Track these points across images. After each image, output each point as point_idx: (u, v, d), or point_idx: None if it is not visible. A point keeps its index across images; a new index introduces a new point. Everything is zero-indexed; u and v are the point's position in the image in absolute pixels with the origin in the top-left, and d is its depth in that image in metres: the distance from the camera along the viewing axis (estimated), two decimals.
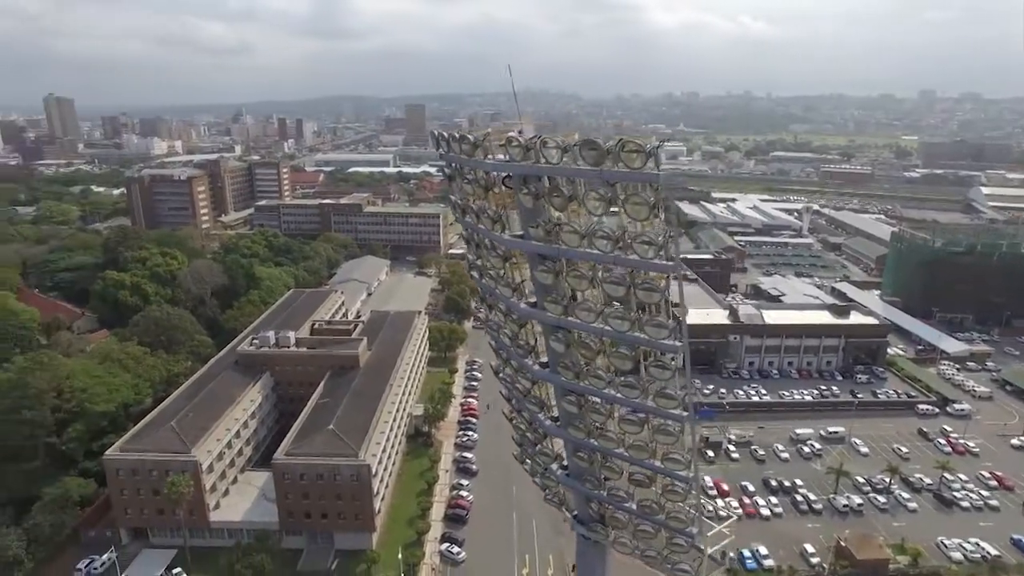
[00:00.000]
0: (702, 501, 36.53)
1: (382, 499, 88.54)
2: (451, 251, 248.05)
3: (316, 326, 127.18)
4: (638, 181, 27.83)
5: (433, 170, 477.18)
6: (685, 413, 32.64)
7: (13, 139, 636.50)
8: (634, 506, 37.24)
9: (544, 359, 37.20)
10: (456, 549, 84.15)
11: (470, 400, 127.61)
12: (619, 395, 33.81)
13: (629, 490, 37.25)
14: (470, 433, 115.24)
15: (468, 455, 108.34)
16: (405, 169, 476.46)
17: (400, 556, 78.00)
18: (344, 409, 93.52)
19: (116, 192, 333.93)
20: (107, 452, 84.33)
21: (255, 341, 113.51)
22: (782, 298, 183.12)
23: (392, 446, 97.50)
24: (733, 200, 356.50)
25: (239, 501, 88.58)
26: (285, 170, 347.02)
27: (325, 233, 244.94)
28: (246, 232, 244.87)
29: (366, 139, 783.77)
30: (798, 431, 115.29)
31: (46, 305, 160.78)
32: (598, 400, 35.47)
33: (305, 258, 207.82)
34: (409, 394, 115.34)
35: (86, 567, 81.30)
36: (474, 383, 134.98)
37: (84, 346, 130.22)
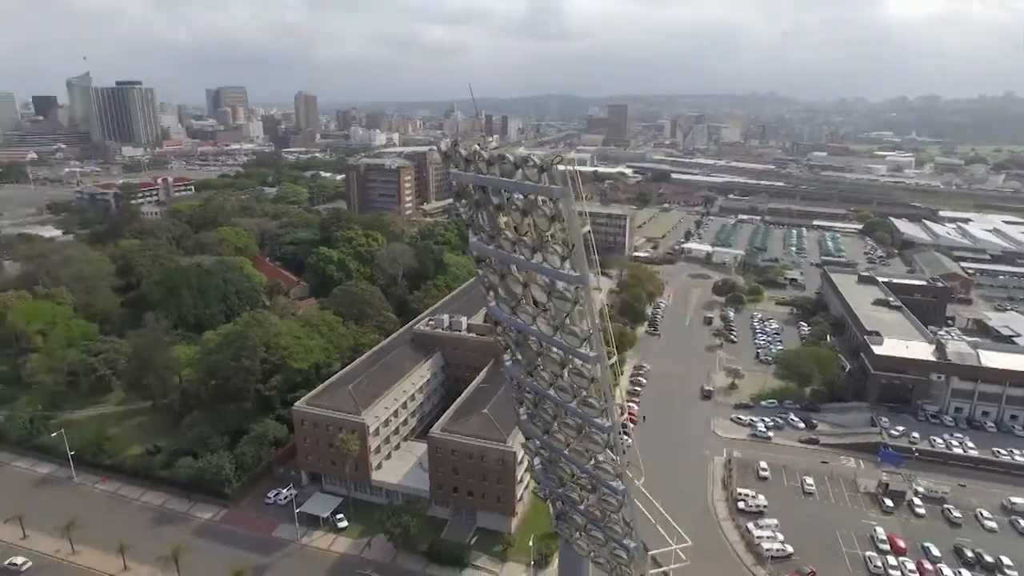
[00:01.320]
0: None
1: (526, 487, 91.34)
2: (635, 253, 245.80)
3: None
4: (537, 193, 28.59)
5: (629, 171, 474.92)
6: (608, 423, 34.62)
7: (270, 130, 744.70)
8: (581, 508, 39.47)
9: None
10: None
11: (630, 405, 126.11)
12: (555, 396, 36.68)
13: (580, 494, 39.73)
14: (626, 439, 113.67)
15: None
16: (601, 169, 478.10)
17: (532, 544, 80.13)
18: (500, 396, 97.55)
19: (339, 178, 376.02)
20: (296, 404, 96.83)
21: (431, 322, 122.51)
22: (1015, 339, 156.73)
23: None
24: (966, 221, 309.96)
25: (398, 466, 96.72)
26: None
27: None
28: (442, 220, 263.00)
29: (567, 138, 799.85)
30: (1016, 499, 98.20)
31: (272, 272, 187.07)
32: (548, 402, 38.16)
33: None
34: None
35: (274, 497, 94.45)
36: (637, 388, 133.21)
37: (295, 310, 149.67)
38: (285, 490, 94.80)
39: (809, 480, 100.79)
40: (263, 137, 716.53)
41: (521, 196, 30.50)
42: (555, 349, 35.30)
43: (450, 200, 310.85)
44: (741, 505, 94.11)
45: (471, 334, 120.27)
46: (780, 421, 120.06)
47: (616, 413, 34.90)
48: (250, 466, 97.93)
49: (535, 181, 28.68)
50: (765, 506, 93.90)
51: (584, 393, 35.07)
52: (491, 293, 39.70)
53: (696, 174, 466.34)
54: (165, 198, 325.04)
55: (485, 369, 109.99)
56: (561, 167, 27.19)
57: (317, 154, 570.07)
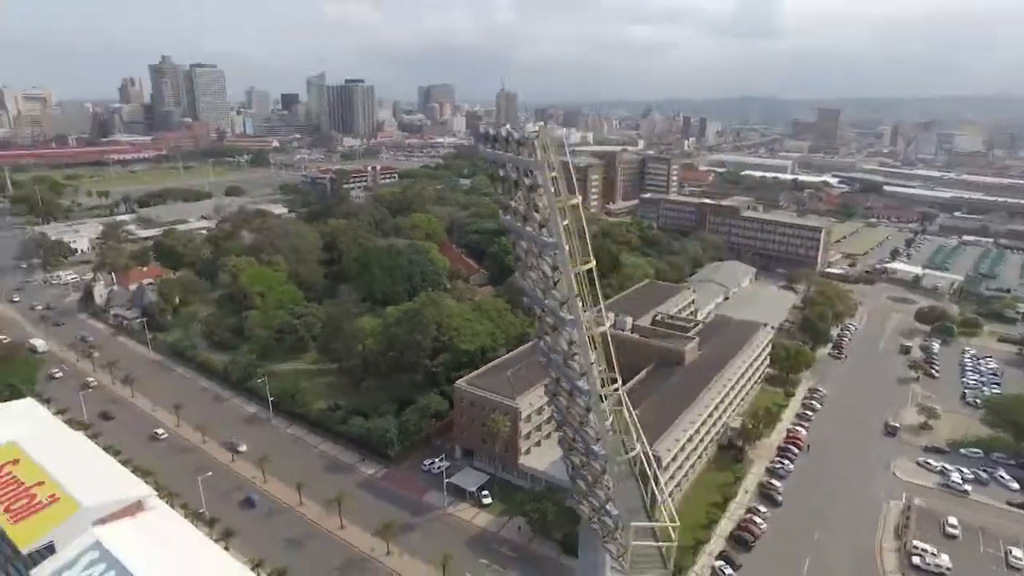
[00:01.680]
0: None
1: (670, 494, 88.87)
2: (828, 269, 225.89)
3: (658, 317, 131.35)
4: (518, 164, 31.40)
5: (834, 181, 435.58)
6: (586, 387, 36.82)
7: (471, 125, 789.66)
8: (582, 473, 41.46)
9: None
10: (730, 571, 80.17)
11: (799, 428, 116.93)
12: (556, 359, 41.24)
13: (580, 458, 41.57)
14: (786, 463, 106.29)
15: (776, 483, 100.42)
16: (802, 177, 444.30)
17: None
18: (653, 399, 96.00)
19: None
20: (458, 382, 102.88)
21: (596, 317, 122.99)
22: None
23: (695, 448, 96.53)
24: None
25: (547, 454, 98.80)
26: (675, 167, 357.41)
27: (698, 232, 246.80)
28: (625, 221, 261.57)
29: (769, 143, 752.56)
30: None
31: (456, 258, 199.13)
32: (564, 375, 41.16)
33: (671, 253, 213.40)
34: (730, 404, 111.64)
35: (429, 465, 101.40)
36: (809, 412, 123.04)
37: (471, 296, 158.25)
38: (439, 460, 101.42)
39: (1017, 552, 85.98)
40: (465, 132, 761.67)
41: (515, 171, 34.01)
42: (549, 314, 38.35)
43: (636, 201, 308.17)
44: (916, 561, 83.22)
45: (634, 335, 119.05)
46: (984, 475, 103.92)
47: (598, 379, 36.78)
48: (412, 433, 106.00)
49: (522, 155, 30.91)
50: (949, 569, 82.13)
51: (572, 357, 38.23)
52: (518, 265, 44.64)
53: (915, 187, 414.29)
54: (372, 184, 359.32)
55: (644, 371, 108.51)
56: (537, 142, 29.53)
57: None
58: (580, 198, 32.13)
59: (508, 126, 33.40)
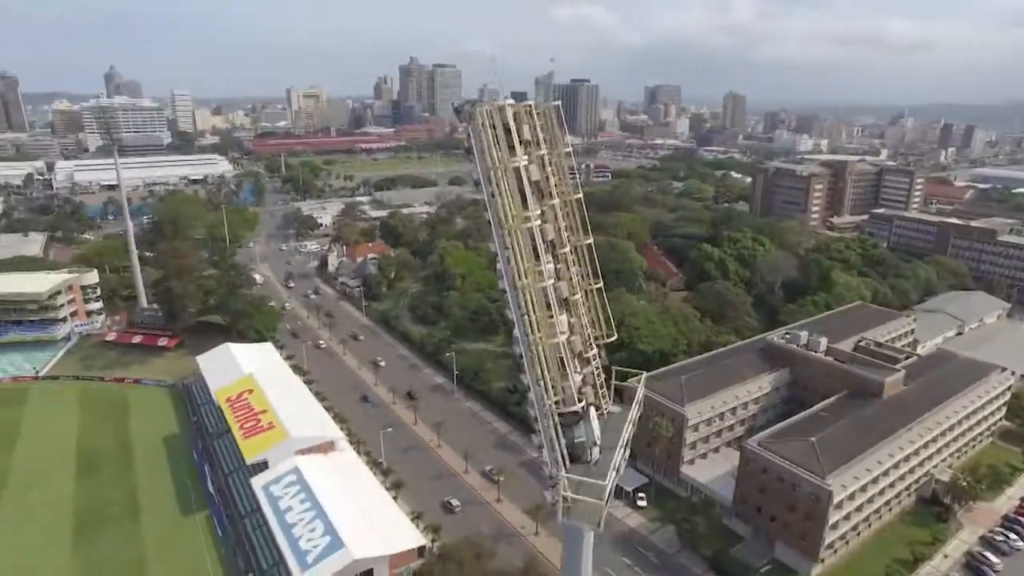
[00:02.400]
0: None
1: (842, 537, 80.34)
2: None
3: (862, 343, 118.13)
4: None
5: None
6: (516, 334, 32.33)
7: (695, 127, 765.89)
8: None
9: None
10: None
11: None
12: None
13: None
14: (1012, 536, 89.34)
15: (993, 559, 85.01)
16: None
17: None
18: (838, 429, 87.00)
19: (748, 180, 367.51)
20: (629, 380, 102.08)
21: (786, 336, 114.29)
22: None
23: (883, 494, 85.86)
24: None
25: (710, 467, 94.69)
26: (920, 180, 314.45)
27: (936, 256, 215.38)
28: (847, 237, 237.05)
29: None
30: None
31: (655, 260, 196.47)
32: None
33: (897, 275, 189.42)
34: (939, 452, 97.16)
35: None
36: None
37: (662, 298, 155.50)
38: None
39: None
40: (687, 134, 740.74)
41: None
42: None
43: (865, 216, 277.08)
44: None
45: (828, 357, 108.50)
46: None
47: (528, 328, 31.75)
48: None
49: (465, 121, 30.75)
50: None
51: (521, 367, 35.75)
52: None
53: None
54: (584, 181, 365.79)
55: (834, 397, 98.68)
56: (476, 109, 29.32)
57: (735, 154, 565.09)
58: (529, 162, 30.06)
59: (457, 101, 33.55)
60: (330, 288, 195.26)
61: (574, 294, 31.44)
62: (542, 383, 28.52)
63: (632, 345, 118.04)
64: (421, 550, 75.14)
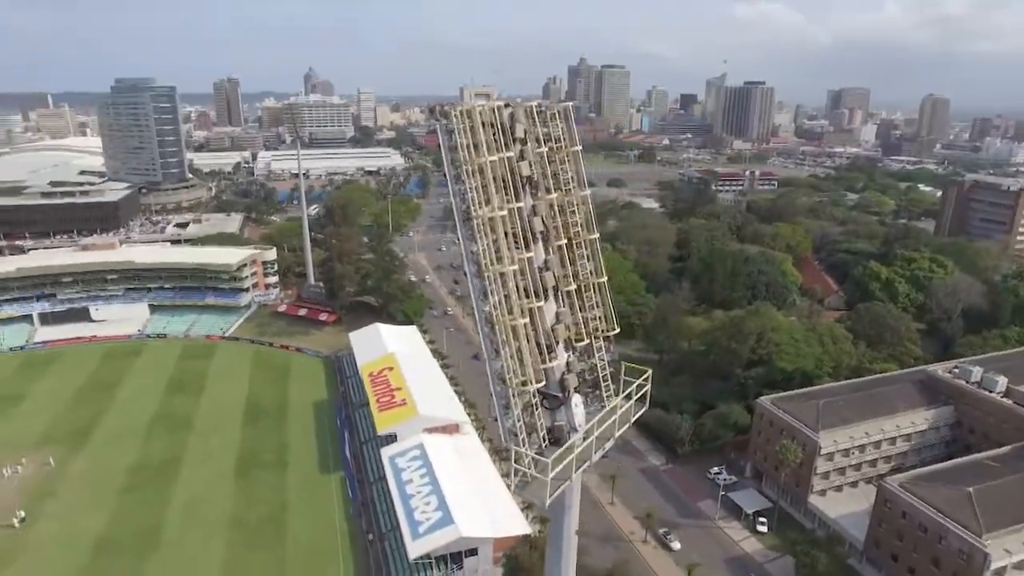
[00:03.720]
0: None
1: None
2: None
3: None
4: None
5: None
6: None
7: (882, 135, 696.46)
8: None
9: None
10: None
11: None
12: None
13: None
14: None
15: None
16: None
17: None
18: (1008, 484, 76.35)
19: (939, 194, 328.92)
20: (761, 398, 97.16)
21: (955, 370, 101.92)
22: None
23: None
24: None
25: (844, 501, 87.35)
26: None
27: None
28: None
29: None
30: None
31: (813, 275, 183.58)
32: None
33: None
34: None
35: (714, 474, 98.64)
36: None
37: (814, 316, 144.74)
38: (726, 472, 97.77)
39: None
40: (872, 142, 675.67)
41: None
42: None
43: None
44: None
45: (1006, 400, 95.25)
46: None
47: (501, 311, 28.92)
48: (706, 438, 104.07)
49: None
50: None
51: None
52: None
53: None
54: (748, 189, 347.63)
55: (1009, 447, 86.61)
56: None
57: (930, 165, 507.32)
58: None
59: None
60: None
61: (568, 285, 31.25)
62: (509, 363, 28.37)
63: (770, 362, 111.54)
64: (526, 538, 77.08)
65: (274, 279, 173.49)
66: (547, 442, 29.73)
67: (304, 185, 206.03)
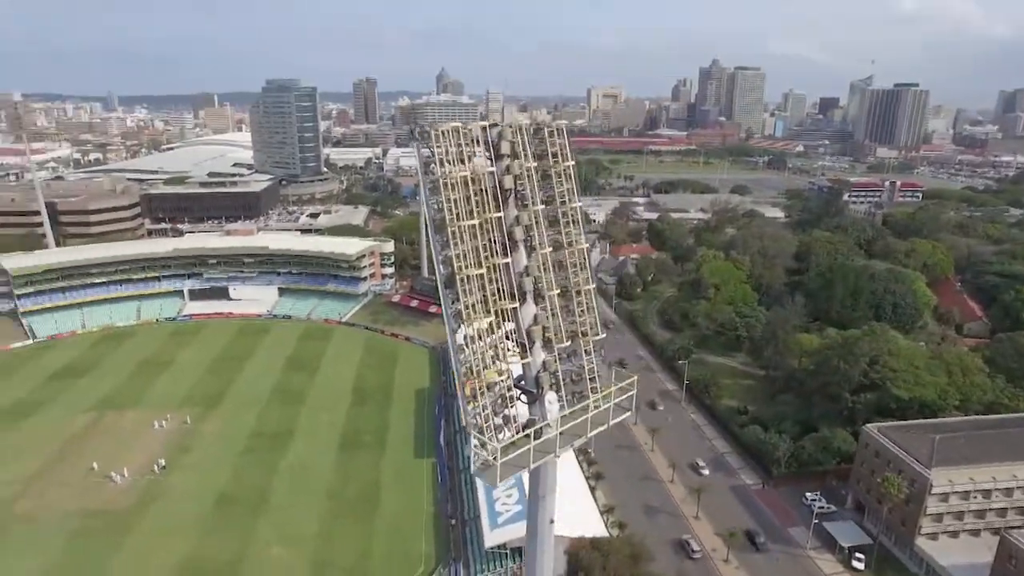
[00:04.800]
0: None
1: None
2: None
3: None
4: None
5: None
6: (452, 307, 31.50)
7: None
8: None
9: None
10: None
11: None
12: None
13: None
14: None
15: None
16: None
17: None
18: None
19: None
20: (868, 425, 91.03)
21: None
22: None
23: None
24: None
25: (959, 550, 79.88)
26: None
27: None
28: None
29: None
30: None
31: (953, 298, 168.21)
32: None
33: None
34: None
35: (811, 500, 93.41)
36: None
37: (946, 343, 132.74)
38: (824, 500, 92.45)
39: None
40: None
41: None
42: None
43: None
44: None
45: None
46: None
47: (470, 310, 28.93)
48: (805, 462, 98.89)
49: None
50: None
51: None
52: None
53: None
54: (886, 200, 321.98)
55: None
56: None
57: None
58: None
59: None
60: None
61: (550, 290, 31.59)
62: (474, 359, 29.56)
63: (884, 387, 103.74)
64: (592, 540, 77.30)
65: (390, 270, 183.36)
66: (520, 432, 30.96)
67: None
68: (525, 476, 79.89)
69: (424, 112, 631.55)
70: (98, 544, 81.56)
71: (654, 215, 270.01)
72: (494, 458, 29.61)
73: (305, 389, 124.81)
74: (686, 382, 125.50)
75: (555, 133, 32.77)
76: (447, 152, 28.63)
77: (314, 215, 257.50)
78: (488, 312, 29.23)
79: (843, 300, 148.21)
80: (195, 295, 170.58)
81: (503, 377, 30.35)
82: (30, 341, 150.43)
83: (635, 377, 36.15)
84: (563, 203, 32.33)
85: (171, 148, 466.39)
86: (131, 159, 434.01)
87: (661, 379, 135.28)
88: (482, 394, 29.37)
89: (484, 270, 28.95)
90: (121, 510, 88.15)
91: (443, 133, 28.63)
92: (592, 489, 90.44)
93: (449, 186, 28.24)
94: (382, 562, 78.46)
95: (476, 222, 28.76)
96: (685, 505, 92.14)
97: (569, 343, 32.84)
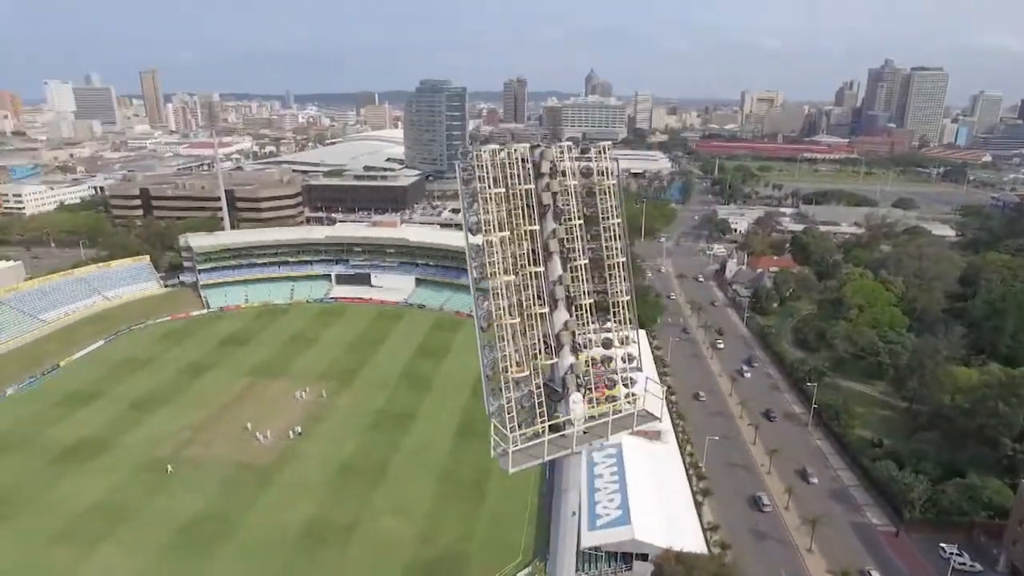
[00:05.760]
0: None
1: None
2: None
3: None
4: None
5: None
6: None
7: None
8: None
9: None
10: None
11: None
12: None
13: None
14: None
15: None
16: None
17: None
18: None
19: None
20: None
21: None
22: None
23: None
24: None
25: None
26: None
27: None
28: None
29: None
30: None
31: None
32: None
33: None
34: None
35: (949, 552, 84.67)
36: None
37: None
38: (967, 557, 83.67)
39: None
40: None
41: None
42: None
43: None
44: None
45: None
46: None
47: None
48: (945, 509, 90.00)
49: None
50: None
51: None
52: None
53: None
54: None
55: None
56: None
57: None
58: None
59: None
60: (721, 293, 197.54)
61: (585, 299, 31.90)
62: (504, 356, 30.87)
63: None
64: (679, 554, 75.73)
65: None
66: (546, 427, 33.04)
67: None
68: (634, 487, 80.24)
69: (566, 113, 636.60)
70: (244, 492, 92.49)
71: (800, 227, 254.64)
72: (511, 447, 31.47)
73: (431, 376, 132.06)
74: (814, 405, 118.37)
75: (601, 152, 33.93)
76: (487, 171, 30.90)
77: (456, 211, 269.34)
78: (518, 315, 31.17)
79: (1015, 334, 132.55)
80: (341, 279, 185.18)
81: (525, 373, 32.15)
82: (206, 311, 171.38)
83: (664, 388, 37.34)
84: (605, 219, 33.72)
85: (333, 143, 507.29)
86: (299, 152, 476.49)
87: (787, 399, 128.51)
88: (507, 388, 31.49)
89: (515, 277, 30.93)
90: (263, 466, 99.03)
91: (484, 153, 30.95)
92: (698, 504, 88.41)
93: (486, 199, 30.46)
94: (481, 546, 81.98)
95: (504, 234, 30.93)
96: (798, 535, 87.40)
97: (602, 350, 33.91)
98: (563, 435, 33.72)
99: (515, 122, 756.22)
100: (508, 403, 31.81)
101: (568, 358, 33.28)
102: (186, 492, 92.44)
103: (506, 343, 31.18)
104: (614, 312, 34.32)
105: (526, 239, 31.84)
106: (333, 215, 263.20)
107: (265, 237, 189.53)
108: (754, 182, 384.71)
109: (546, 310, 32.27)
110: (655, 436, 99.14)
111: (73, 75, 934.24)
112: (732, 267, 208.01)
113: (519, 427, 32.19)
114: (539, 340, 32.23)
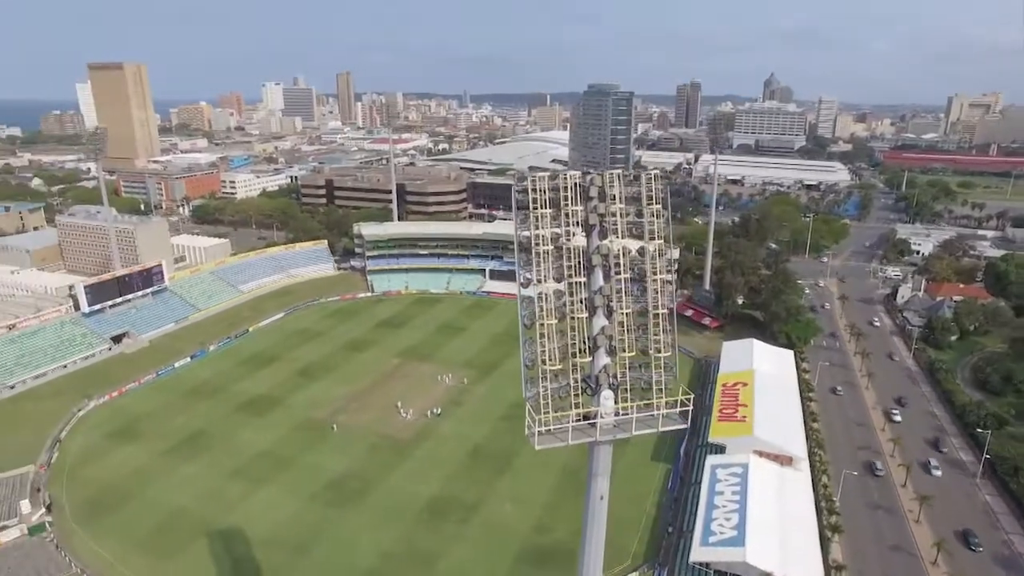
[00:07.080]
0: None
1: None
2: None
3: None
4: None
5: None
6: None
7: None
8: None
9: None
10: None
11: None
12: None
13: None
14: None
15: None
16: None
17: None
18: None
19: None
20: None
21: None
22: None
23: None
24: None
25: None
26: None
27: None
28: None
29: None
30: None
31: None
32: None
33: None
34: None
35: None
36: None
37: None
38: None
39: None
40: None
41: None
42: None
43: None
44: None
45: None
46: None
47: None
48: None
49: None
50: None
51: None
52: None
53: None
54: None
55: None
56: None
57: None
58: None
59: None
60: (889, 319, 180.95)
61: (624, 308, 32.80)
62: (543, 352, 34.29)
63: None
64: None
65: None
66: (580, 415, 36.37)
67: (736, 192, 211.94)
68: (754, 509, 78.63)
69: (739, 119, 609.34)
70: (384, 460, 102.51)
71: (1000, 253, 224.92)
72: (538, 428, 35.27)
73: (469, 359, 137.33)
74: (986, 455, 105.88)
75: (652, 179, 37.17)
76: (540, 192, 33.90)
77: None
78: (559, 319, 33.84)
79: None
80: (494, 275, 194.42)
81: (560, 367, 35.39)
82: (370, 294, 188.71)
83: (692, 395, 38.17)
84: (651, 239, 36.54)
85: (503, 142, 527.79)
86: (469, 150, 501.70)
87: (953, 446, 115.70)
88: (544, 379, 34.80)
89: (560, 285, 33.56)
90: (403, 440, 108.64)
91: (537, 178, 33.82)
92: (826, 540, 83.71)
93: (537, 219, 33.34)
94: None
95: (549, 248, 33.63)
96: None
97: (639, 355, 35.61)
98: (591, 423, 36.51)
99: (685, 127, 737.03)
100: (543, 391, 35.00)
101: (602, 359, 36.08)
102: (335, 452, 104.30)
103: (546, 340, 34.55)
104: (653, 323, 36.91)
105: (571, 253, 35.50)
106: (494, 212, 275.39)
107: (427, 230, 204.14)
108: (949, 200, 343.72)
109: (584, 315, 35.28)
110: (787, 461, 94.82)
111: (284, 77, 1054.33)
112: (905, 292, 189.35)
113: (552, 413, 35.36)
114: (579, 341, 35.40)
